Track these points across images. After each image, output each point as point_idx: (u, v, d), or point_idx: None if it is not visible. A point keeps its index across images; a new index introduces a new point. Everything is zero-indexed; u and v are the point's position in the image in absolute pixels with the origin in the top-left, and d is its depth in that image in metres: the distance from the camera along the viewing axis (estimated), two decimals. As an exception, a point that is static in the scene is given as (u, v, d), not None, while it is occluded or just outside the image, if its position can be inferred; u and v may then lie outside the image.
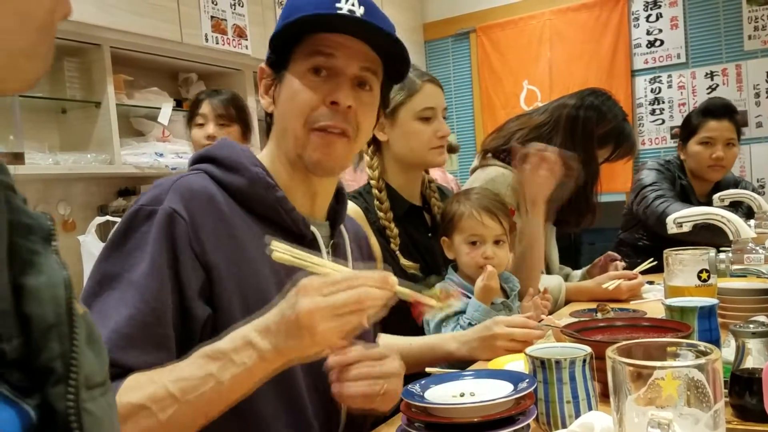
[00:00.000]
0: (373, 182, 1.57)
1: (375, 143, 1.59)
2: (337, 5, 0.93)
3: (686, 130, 2.58)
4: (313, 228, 1.02)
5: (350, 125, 0.98)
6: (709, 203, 2.51)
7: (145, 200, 0.90)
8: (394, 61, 1.01)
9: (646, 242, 2.60)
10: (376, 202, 1.55)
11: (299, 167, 1.00)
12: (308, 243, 1.00)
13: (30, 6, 0.36)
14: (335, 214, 1.10)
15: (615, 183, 3.75)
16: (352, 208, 1.49)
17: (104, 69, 2.58)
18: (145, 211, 0.88)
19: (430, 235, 1.64)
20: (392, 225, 1.54)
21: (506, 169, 1.92)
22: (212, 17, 2.95)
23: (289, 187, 1.00)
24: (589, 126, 1.97)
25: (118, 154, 2.62)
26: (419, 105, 1.55)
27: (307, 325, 0.73)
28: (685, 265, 1.37)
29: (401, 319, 1.25)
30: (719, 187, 2.53)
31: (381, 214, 1.53)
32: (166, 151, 2.81)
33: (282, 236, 0.96)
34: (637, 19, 4.11)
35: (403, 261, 1.53)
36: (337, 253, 1.08)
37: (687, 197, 2.54)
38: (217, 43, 2.97)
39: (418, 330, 1.48)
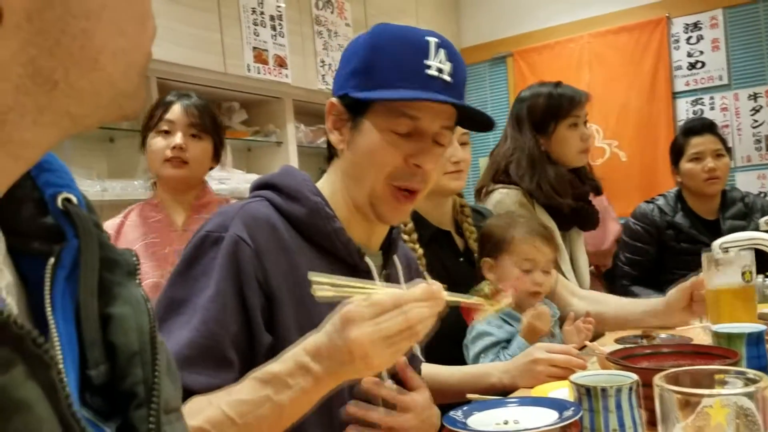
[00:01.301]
0: None
1: None
2: (426, 62, 0.93)
3: (675, 154, 2.64)
4: (367, 259, 1.02)
5: (425, 182, 1.00)
6: (717, 223, 2.52)
7: (211, 227, 0.92)
8: (468, 113, 1.01)
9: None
10: (401, 225, 1.56)
11: (366, 212, 1.01)
12: (362, 274, 1.01)
13: (136, 55, 0.40)
14: (389, 244, 1.11)
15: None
16: None
17: (151, 99, 2.67)
18: (211, 237, 0.90)
19: (461, 259, 1.65)
20: (416, 246, 1.55)
21: (508, 188, 1.94)
22: (254, 48, 3.03)
23: (348, 219, 1.02)
24: (535, 120, 1.97)
25: (163, 181, 2.69)
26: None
27: (360, 355, 0.73)
28: (725, 264, 1.35)
29: (445, 346, 1.25)
30: (726, 203, 2.58)
31: (405, 236, 1.55)
32: (209, 178, 2.87)
33: (337, 266, 0.99)
34: (677, 41, 4.07)
35: (430, 282, 1.54)
36: (390, 282, 1.09)
37: (691, 223, 2.57)
38: (259, 73, 3.05)
39: (462, 356, 1.48)
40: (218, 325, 0.85)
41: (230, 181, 2.93)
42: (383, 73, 0.93)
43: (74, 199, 0.44)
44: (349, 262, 1.00)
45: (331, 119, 1.02)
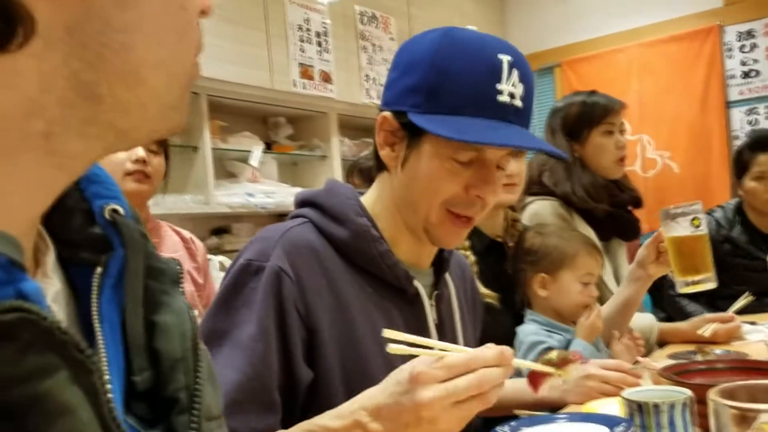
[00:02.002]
0: None
1: None
2: (498, 87, 0.86)
3: (738, 167, 2.49)
4: (416, 282, 0.97)
5: (484, 209, 0.95)
6: None
7: (251, 254, 0.89)
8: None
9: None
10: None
11: (419, 235, 0.96)
12: (411, 297, 0.97)
13: (177, 67, 0.41)
14: (441, 261, 1.05)
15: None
16: None
17: (202, 116, 2.74)
18: (252, 266, 0.87)
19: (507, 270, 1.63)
20: (468, 253, 1.53)
21: (545, 200, 1.91)
22: (300, 64, 3.08)
23: (396, 239, 0.97)
24: (563, 125, 1.95)
25: (212, 195, 2.76)
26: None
27: (429, 418, 0.70)
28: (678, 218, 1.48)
29: None
30: None
31: (470, 258, 1.53)
32: (256, 192, 2.93)
33: (384, 290, 0.95)
34: (730, 50, 3.97)
35: (482, 289, 1.52)
36: (441, 304, 1.04)
37: (749, 238, 2.45)
38: (305, 88, 3.10)
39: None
40: (264, 367, 0.83)
41: (276, 195, 2.97)
42: (450, 97, 0.86)
43: (121, 210, 0.45)
44: (396, 286, 0.96)
45: (383, 135, 0.94)
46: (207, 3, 0.43)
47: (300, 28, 3.09)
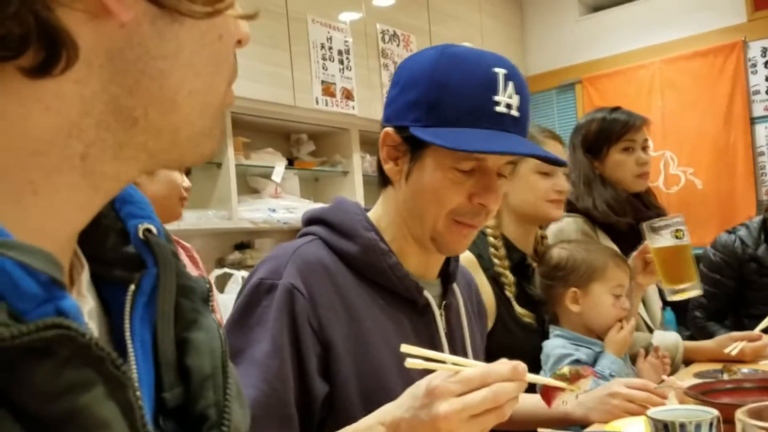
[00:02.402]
0: (489, 230, 1.58)
1: None
2: (495, 99, 0.89)
3: None
4: (426, 293, 0.99)
5: (487, 218, 0.97)
6: None
7: (264, 273, 0.91)
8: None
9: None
10: (492, 250, 1.55)
11: (427, 246, 0.98)
12: (421, 308, 0.99)
13: (210, 97, 0.42)
14: (448, 272, 1.08)
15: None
16: (465, 256, 1.51)
17: (226, 133, 2.78)
18: (265, 285, 0.89)
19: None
20: (507, 272, 1.53)
21: (569, 216, 1.90)
22: (323, 82, 3.11)
23: (404, 251, 0.99)
24: (583, 142, 1.96)
25: (235, 210, 2.79)
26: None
27: (446, 430, 0.71)
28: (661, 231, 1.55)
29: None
30: None
31: (497, 261, 1.53)
32: (278, 207, 2.95)
33: (394, 302, 0.97)
34: (754, 65, 3.93)
35: (518, 309, 1.52)
36: (450, 313, 1.06)
37: None
38: (327, 105, 3.13)
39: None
40: (280, 383, 0.84)
41: (298, 210, 2.99)
42: (450, 109, 0.89)
43: (154, 230, 0.46)
44: (406, 297, 0.98)
45: (386, 149, 0.98)
46: (244, 33, 0.44)
47: (322, 47, 3.13)
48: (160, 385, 0.44)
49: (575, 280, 1.50)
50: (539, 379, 0.81)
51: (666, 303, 2.67)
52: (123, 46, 0.37)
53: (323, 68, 3.12)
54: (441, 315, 1.02)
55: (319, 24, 3.13)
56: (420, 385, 0.74)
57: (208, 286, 0.49)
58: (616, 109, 2.00)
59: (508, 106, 0.89)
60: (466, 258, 1.49)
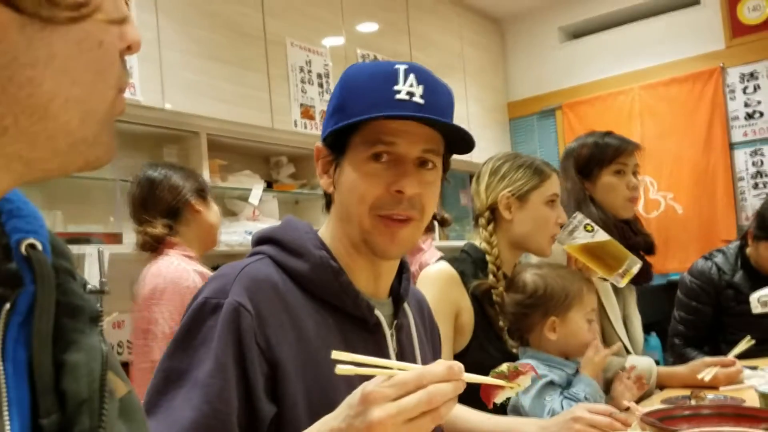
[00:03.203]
0: (490, 258, 1.57)
1: (494, 220, 1.61)
2: (395, 88, 0.91)
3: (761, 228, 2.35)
4: (377, 312, 0.98)
5: (415, 209, 0.95)
6: None
7: (209, 292, 0.89)
8: (455, 135, 0.97)
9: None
10: (492, 279, 1.53)
11: (364, 250, 0.97)
12: (372, 327, 0.97)
13: (93, 104, 0.40)
14: (399, 292, 1.06)
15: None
16: (448, 271, 1.52)
17: (201, 155, 2.76)
18: (210, 304, 0.87)
19: None
20: (501, 290, 1.53)
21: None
22: (301, 104, 3.11)
23: (352, 268, 0.98)
24: (574, 165, 1.96)
25: (211, 234, 2.75)
26: (549, 191, 1.59)
27: None
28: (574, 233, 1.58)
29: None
30: None
31: (499, 290, 1.52)
32: (255, 230, 2.91)
33: (345, 321, 0.95)
34: (733, 91, 3.97)
35: (511, 342, 1.51)
36: (401, 333, 1.04)
37: (752, 284, 2.32)
38: (306, 128, 3.12)
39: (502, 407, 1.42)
40: (222, 403, 0.81)
41: (275, 233, 2.98)
42: (355, 105, 0.92)
43: (39, 245, 0.44)
44: (357, 316, 0.96)
45: (320, 164, 1.00)
46: (133, 39, 0.42)
47: (301, 70, 3.13)
48: (37, 411, 0.41)
49: (553, 309, 1.47)
50: (477, 378, 0.79)
51: (649, 329, 2.66)
52: None
53: (302, 91, 3.12)
54: (392, 335, 1.01)
55: (299, 47, 3.14)
56: (356, 393, 0.72)
57: (98, 306, 0.46)
58: (609, 133, 2.00)
59: (410, 94, 0.90)
60: (448, 273, 1.50)
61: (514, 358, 1.49)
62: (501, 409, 1.41)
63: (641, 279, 2.00)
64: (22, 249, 0.43)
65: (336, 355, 0.71)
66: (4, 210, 0.44)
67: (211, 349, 0.83)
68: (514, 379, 0.83)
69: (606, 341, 1.78)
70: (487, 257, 1.57)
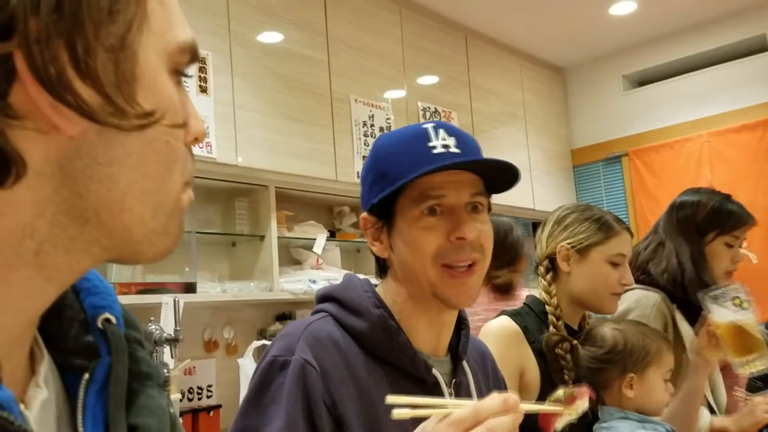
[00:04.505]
0: (550, 309, 1.53)
1: (554, 270, 1.58)
2: (430, 144, 0.94)
3: None
4: (435, 371, 0.99)
5: (477, 252, 0.97)
6: None
7: (276, 351, 0.92)
8: (496, 173, 0.99)
9: None
10: (552, 331, 1.50)
11: (432, 304, 0.98)
12: (430, 386, 0.98)
13: (162, 197, 0.45)
14: (457, 348, 1.06)
15: None
16: (511, 327, 1.49)
17: (269, 207, 2.90)
18: (278, 362, 0.90)
19: None
20: (568, 356, 1.48)
21: (647, 290, 1.87)
22: (364, 157, 3.22)
23: (411, 326, 0.99)
24: (691, 220, 1.90)
25: (277, 282, 2.86)
26: (614, 249, 1.53)
27: None
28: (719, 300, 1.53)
29: None
30: None
31: (564, 344, 1.48)
32: (319, 278, 3.01)
33: (403, 380, 0.96)
34: (806, 136, 3.84)
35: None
36: (460, 391, 1.04)
37: None
38: (369, 180, 3.22)
39: None
40: None
41: (338, 281, 3.05)
42: (397, 169, 0.95)
43: (113, 319, 0.49)
44: (415, 376, 0.97)
45: (369, 233, 1.02)
46: (199, 131, 0.48)
47: (364, 124, 3.26)
48: None
49: (632, 365, 1.44)
50: (534, 407, 0.79)
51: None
52: (72, 155, 0.39)
53: (365, 144, 3.24)
54: (450, 394, 1.01)
55: (362, 103, 3.27)
56: None
57: (166, 372, 0.53)
58: (728, 197, 1.94)
59: (445, 146, 0.94)
60: (512, 330, 1.48)
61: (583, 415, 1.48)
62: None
63: None
64: (99, 323, 0.49)
65: (391, 399, 0.73)
66: (83, 288, 0.49)
67: (282, 406, 0.86)
68: (572, 404, 0.83)
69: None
70: (547, 308, 1.54)
